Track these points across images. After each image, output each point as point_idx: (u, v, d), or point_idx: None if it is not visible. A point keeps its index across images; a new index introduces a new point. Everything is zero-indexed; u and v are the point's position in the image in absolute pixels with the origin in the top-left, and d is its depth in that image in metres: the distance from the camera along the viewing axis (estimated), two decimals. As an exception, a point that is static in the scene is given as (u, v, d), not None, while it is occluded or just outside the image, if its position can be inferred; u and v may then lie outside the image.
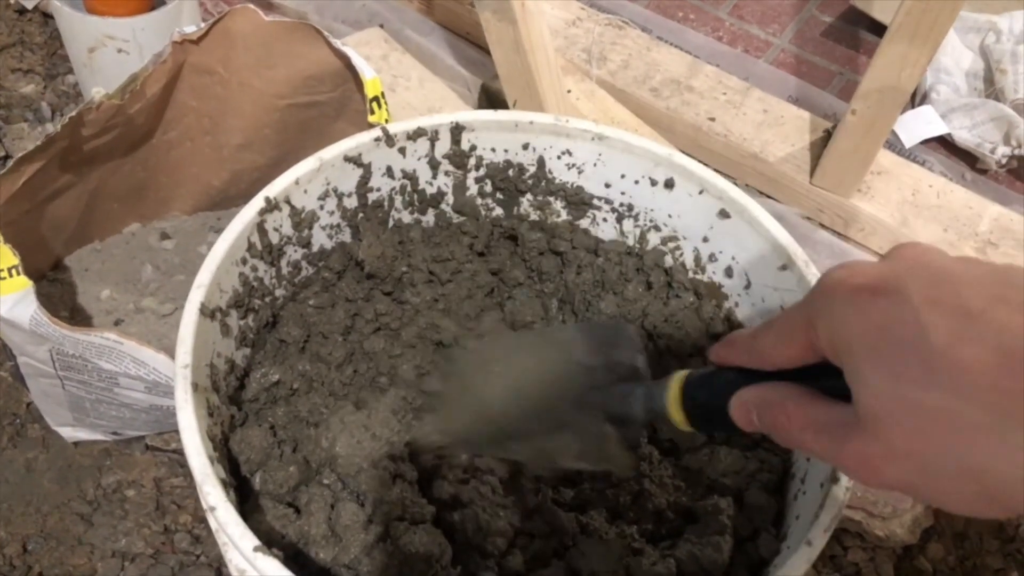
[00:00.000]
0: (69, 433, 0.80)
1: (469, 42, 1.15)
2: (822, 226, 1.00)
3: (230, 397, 0.53)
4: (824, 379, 0.32)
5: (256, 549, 0.40)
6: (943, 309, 0.27)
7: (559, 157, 0.63)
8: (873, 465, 0.29)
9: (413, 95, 1.01)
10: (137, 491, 0.80)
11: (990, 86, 1.13)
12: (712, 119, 1.04)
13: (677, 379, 0.41)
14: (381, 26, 1.13)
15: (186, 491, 0.80)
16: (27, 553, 0.76)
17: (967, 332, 0.27)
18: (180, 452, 0.82)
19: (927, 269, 0.29)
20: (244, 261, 0.54)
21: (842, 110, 1.14)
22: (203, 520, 0.79)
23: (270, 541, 0.47)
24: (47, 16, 1.17)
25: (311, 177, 0.57)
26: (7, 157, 1.02)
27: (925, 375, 0.27)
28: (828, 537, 0.43)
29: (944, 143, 1.12)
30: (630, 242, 0.65)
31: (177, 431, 0.81)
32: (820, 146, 1.00)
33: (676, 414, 0.40)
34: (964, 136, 1.08)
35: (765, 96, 1.07)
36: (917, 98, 1.15)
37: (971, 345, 0.26)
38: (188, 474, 0.81)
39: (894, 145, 1.09)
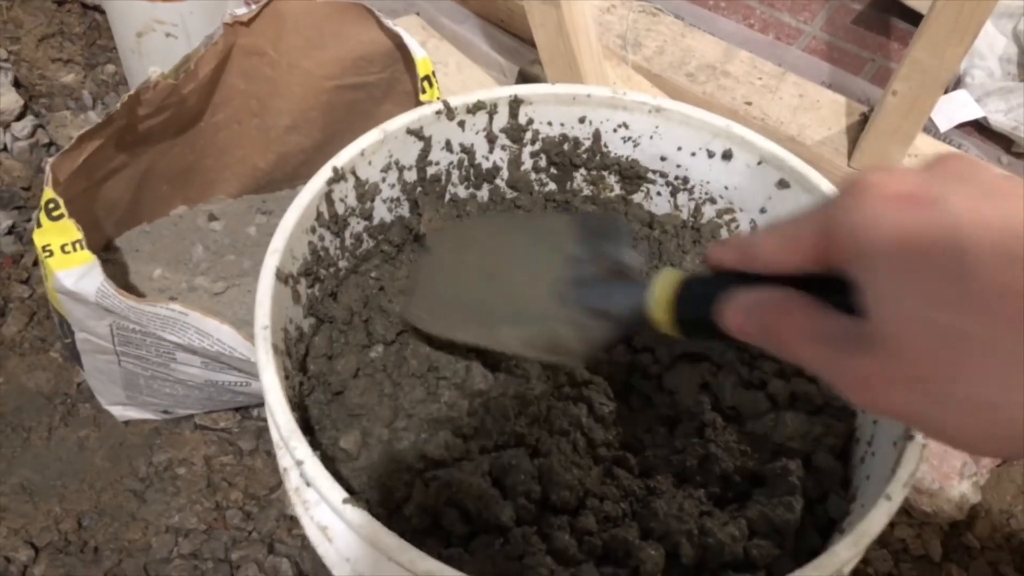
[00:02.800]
0: (120, 412, 0.81)
1: (503, 30, 1.15)
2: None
3: (299, 364, 0.54)
4: (827, 293, 0.30)
5: (345, 501, 0.41)
6: (987, 228, 0.25)
7: (615, 130, 0.63)
8: (876, 386, 0.27)
9: (451, 81, 1.02)
10: (188, 469, 0.81)
11: (1023, 70, 1.14)
12: (749, 103, 1.04)
13: (666, 280, 0.38)
14: (417, 14, 1.13)
15: (236, 469, 0.81)
16: (82, 528, 0.76)
17: (1011, 254, 0.24)
18: (229, 431, 0.83)
19: (972, 183, 0.26)
20: (313, 230, 0.55)
21: (875, 96, 1.15)
22: (254, 497, 0.79)
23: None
24: (85, 7, 1.18)
25: (375, 148, 0.58)
26: (51, 144, 1.03)
27: (958, 296, 0.24)
28: (907, 492, 0.43)
29: (979, 127, 1.12)
30: (684, 215, 0.65)
31: (226, 410, 0.83)
32: (857, 129, 1.01)
33: (662, 315, 0.38)
34: (1000, 120, 1.08)
35: (800, 81, 1.07)
36: (951, 83, 1.16)
37: (1014, 270, 0.24)
38: (237, 452, 0.82)
39: (929, 129, 1.09)
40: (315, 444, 0.52)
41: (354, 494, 0.51)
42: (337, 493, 0.41)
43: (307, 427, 0.54)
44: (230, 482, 0.80)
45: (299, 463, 0.42)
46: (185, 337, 0.63)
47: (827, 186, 0.57)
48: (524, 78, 1.06)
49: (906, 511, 0.79)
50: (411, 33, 1.06)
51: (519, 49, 1.11)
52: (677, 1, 1.27)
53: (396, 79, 0.80)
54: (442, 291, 0.53)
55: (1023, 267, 0.24)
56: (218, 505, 0.79)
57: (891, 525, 0.81)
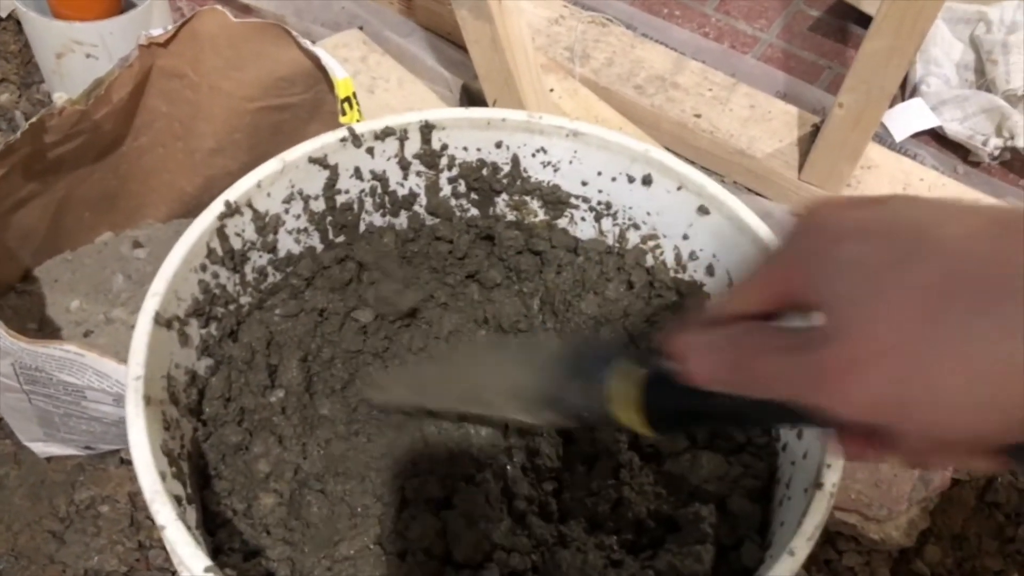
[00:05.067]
0: (41, 448, 0.78)
1: (450, 43, 1.13)
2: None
3: (191, 409, 0.51)
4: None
5: (207, 570, 0.38)
6: (932, 203, 0.26)
7: (534, 155, 0.61)
8: (846, 374, 0.25)
9: (392, 96, 0.99)
10: (111, 506, 0.78)
11: (981, 77, 1.12)
12: (698, 116, 1.02)
13: (626, 379, 0.37)
14: (361, 28, 1.11)
15: (162, 506, 0.78)
16: (-3, 573, 0.73)
17: (959, 211, 0.25)
18: (156, 466, 0.80)
19: (917, 203, 0.27)
20: (204, 268, 0.52)
21: (830, 105, 1.13)
22: (179, 535, 0.76)
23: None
24: (20, 25, 1.15)
25: (274, 179, 0.55)
26: (-20, 167, 1.00)
27: (913, 250, 0.24)
28: (812, 546, 0.41)
29: (935, 136, 1.10)
30: (609, 241, 0.63)
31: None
32: (808, 141, 0.98)
33: (630, 416, 0.37)
34: (955, 128, 1.06)
35: (752, 91, 1.05)
36: (907, 91, 1.14)
37: (961, 221, 0.24)
38: (164, 488, 0.79)
39: (884, 139, 1.07)
40: (210, 497, 0.50)
41: (255, 552, 0.49)
42: (199, 561, 0.38)
43: (205, 474, 0.52)
44: (154, 520, 0.77)
45: (162, 528, 0.39)
46: (84, 379, 0.61)
47: (747, 213, 0.54)
48: (468, 92, 1.03)
49: (855, 539, 0.77)
50: (351, 48, 1.04)
51: (466, 62, 1.08)
52: (630, 10, 1.24)
53: (321, 99, 0.77)
54: (408, 379, 0.56)
55: (976, 219, 0.24)
56: (141, 545, 0.76)
57: (839, 553, 0.79)
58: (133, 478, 0.79)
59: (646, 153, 0.58)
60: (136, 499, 0.78)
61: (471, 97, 1.02)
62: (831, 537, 0.78)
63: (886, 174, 0.97)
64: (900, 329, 0.24)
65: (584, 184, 0.61)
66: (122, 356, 0.61)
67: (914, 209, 0.26)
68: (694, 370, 0.31)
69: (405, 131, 0.59)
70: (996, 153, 1.04)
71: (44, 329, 0.75)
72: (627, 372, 0.38)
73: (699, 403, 0.34)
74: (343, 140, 0.57)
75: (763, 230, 0.53)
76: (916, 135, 1.08)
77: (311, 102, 0.78)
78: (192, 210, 0.87)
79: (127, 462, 0.80)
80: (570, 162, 0.61)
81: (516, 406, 0.47)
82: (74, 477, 0.79)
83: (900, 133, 1.07)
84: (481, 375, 0.52)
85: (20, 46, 1.14)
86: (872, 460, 0.30)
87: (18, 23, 1.15)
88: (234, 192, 0.53)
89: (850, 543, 0.78)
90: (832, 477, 0.43)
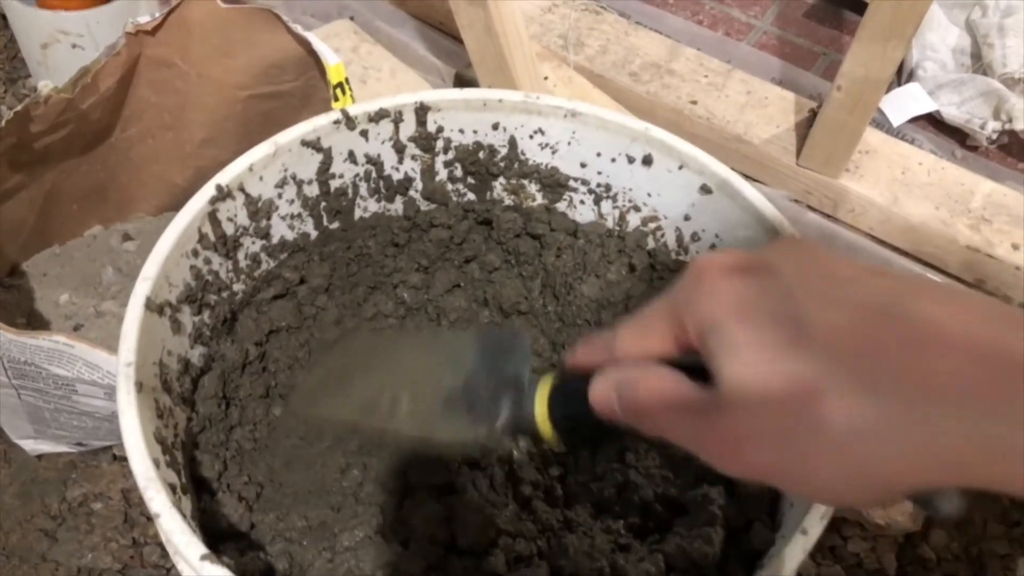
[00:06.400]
0: (31, 446, 0.76)
1: (442, 32, 1.11)
2: (810, 208, 0.97)
3: (184, 398, 0.50)
4: (693, 374, 0.30)
5: (203, 558, 0.37)
6: (812, 278, 0.26)
7: (531, 136, 0.60)
8: (736, 446, 0.27)
9: (385, 86, 0.98)
10: (104, 504, 0.76)
11: (977, 61, 1.11)
12: (694, 102, 1.01)
13: (543, 389, 0.38)
14: (351, 18, 1.09)
15: (156, 502, 0.76)
16: (-12, 573, 0.72)
17: (834, 295, 0.26)
18: (149, 462, 0.79)
19: (799, 248, 0.28)
20: (196, 253, 0.51)
21: (827, 91, 1.12)
22: (174, 532, 0.75)
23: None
24: (5, 19, 1.13)
25: (266, 163, 0.54)
26: (-34, 163, 0.98)
27: (792, 340, 0.25)
28: (825, 525, 0.40)
29: (933, 121, 1.09)
30: (609, 224, 0.62)
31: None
32: (806, 127, 0.97)
33: (546, 431, 0.37)
34: (953, 113, 1.05)
35: (748, 77, 1.04)
36: (904, 75, 1.13)
37: (837, 309, 0.25)
38: (158, 485, 0.78)
39: (881, 124, 1.06)
40: (204, 485, 0.49)
41: (252, 545, 0.48)
42: (194, 549, 0.37)
43: (198, 463, 0.50)
44: (148, 516, 0.76)
45: (156, 516, 0.38)
46: (74, 370, 0.59)
47: (750, 192, 0.53)
48: (461, 81, 1.02)
49: (860, 524, 0.76)
50: (342, 38, 1.02)
51: (458, 51, 1.07)
52: (623, -1, 1.23)
53: (312, 87, 0.76)
54: (332, 389, 0.53)
55: (844, 307, 0.25)
56: (135, 542, 0.74)
57: (844, 539, 0.78)
58: (126, 475, 0.78)
59: (646, 132, 0.57)
60: (130, 496, 0.77)
61: (464, 86, 1.01)
62: (836, 523, 0.77)
63: (884, 159, 0.96)
64: (780, 415, 0.25)
65: (583, 166, 0.60)
66: (113, 348, 0.60)
67: (791, 290, 0.26)
68: (597, 403, 0.33)
69: (400, 113, 0.58)
70: (994, 137, 1.03)
71: (33, 323, 0.74)
72: (543, 386, 0.38)
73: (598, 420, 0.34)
74: (336, 122, 0.56)
75: (768, 208, 0.52)
76: (913, 120, 1.08)
77: (302, 89, 0.76)
78: (183, 203, 0.85)
79: (120, 458, 0.79)
80: (568, 143, 0.59)
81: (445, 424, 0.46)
82: (66, 474, 0.78)
83: (897, 118, 1.07)
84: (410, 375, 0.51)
85: (5, 41, 1.12)
86: None
87: (2, 18, 1.13)
88: (226, 175, 0.52)
89: (855, 528, 0.77)
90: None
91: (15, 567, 0.72)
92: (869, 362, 0.24)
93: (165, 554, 0.74)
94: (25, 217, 0.75)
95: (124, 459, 0.79)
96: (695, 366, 0.29)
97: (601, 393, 0.32)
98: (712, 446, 0.28)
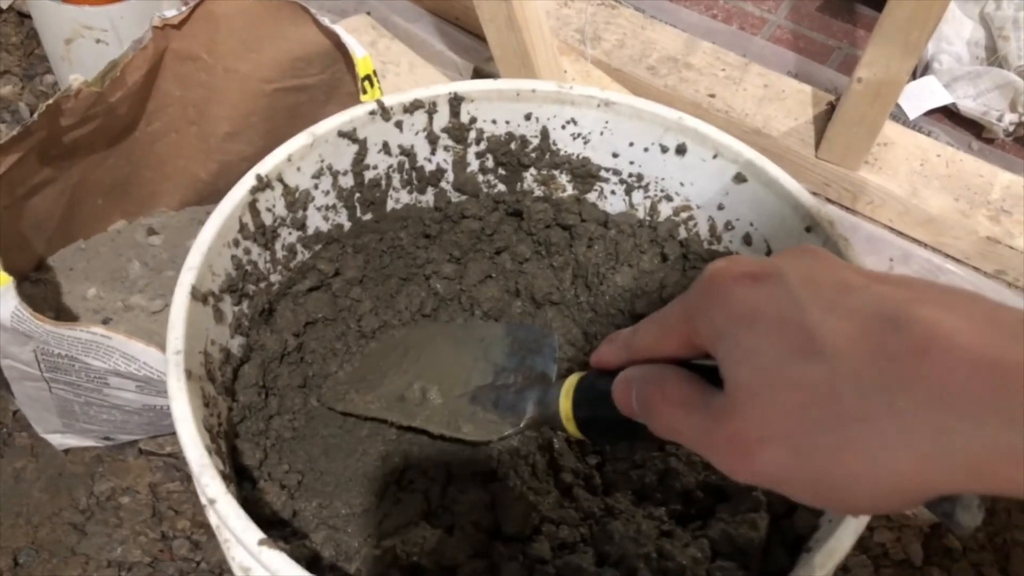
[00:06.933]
0: (59, 440, 0.76)
1: (458, 27, 1.12)
2: (829, 200, 0.97)
3: (226, 388, 0.50)
4: (708, 374, 0.31)
5: (261, 543, 0.37)
6: (822, 286, 0.27)
7: (564, 127, 0.60)
8: (745, 449, 0.27)
9: (404, 81, 0.98)
10: (132, 498, 0.76)
11: (992, 54, 1.11)
12: (712, 96, 1.01)
13: (568, 386, 0.39)
14: (368, 13, 1.10)
15: (183, 496, 0.77)
16: (18, 567, 0.72)
17: (843, 303, 0.26)
18: (176, 456, 0.79)
19: (809, 256, 0.29)
20: (236, 243, 0.51)
21: (842, 84, 1.12)
22: (202, 525, 0.75)
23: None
24: (22, 16, 1.13)
25: (304, 153, 0.54)
26: (-15, 160, 0.98)
27: (801, 347, 0.26)
28: (876, 507, 0.40)
29: (949, 113, 1.09)
30: (640, 215, 0.62)
31: (172, 434, 0.78)
32: (824, 119, 0.98)
33: (570, 425, 0.39)
34: (969, 105, 1.05)
35: (765, 71, 1.04)
36: (919, 69, 1.13)
37: (846, 317, 0.25)
38: (185, 478, 0.78)
39: (898, 117, 1.07)
40: (245, 474, 0.49)
41: (295, 533, 0.48)
42: (252, 534, 0.37)
43: (239, 454, 0.50)
44: (177, 510, 0.76)
45: (212, 501, 0.38)
46: (110, 362, 0.59)
47: (786, 179, 0.53)
48: (479, 76, 1.02)
49: (886, 515, 0.76)
50: (360, 33, 1.03)
51: (475, 47, 1.08)
52: (638, -7, 1.23)
53: (338, 80, 0.76)
54: (362, 384, 0.55)
55: (853, 316, 0.25)
56: (164, 535, 0.74)
57: (870, 529, 0.78)
58: (153, 469, 0.78)
59: (680, 121, 0.57)
60: (157, 490, 0.77)
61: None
62: (862, 513, 0.77)
63: (902, 151, 0.96)
64: (789, 421, 0.26)
65: (615, 156, 0.60)
66: (146, 341, 0.60)
67: (800, 297, 0.27)
68: (617, 398, 0.34)
69: (434, 104, 0.58)
70: (1011, 129, 1.03)
71: (61, 318, 0.74)
72: (568, 382, 0.40)
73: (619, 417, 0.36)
74: (372, 113, 0.56)
75: (804, 195, 0.52)
76: (929, 113, 1.08)
77: (328, 83, 0.76)
78: (206, 197, 0.86)
79: (146, 453, 0.79)
80: (601, 133, 0.60)
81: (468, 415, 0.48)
82: (93, 469, 0.78)
83: (914, 111, 1.07)
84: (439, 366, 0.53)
85: (22, 37, 1.12)
86: None
87: (19, 15, 1.13)
88: (265, 165, 0.52)
89: (881, 519, 0.77)
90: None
91: (45, 561, 0.72)
92: (879, 369, 0.24)
93: (194, 547, 0.74)
94: (52, 211, 0.75)
95: (150, 453, 0.79)
96: (714, 368, 0.30)
97: (622, 392, 0.33)
98: (721, 450, 0.28)
